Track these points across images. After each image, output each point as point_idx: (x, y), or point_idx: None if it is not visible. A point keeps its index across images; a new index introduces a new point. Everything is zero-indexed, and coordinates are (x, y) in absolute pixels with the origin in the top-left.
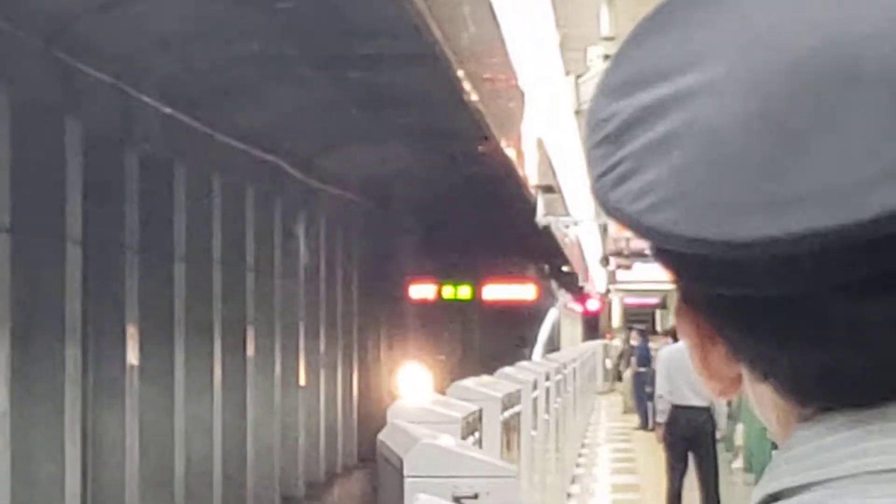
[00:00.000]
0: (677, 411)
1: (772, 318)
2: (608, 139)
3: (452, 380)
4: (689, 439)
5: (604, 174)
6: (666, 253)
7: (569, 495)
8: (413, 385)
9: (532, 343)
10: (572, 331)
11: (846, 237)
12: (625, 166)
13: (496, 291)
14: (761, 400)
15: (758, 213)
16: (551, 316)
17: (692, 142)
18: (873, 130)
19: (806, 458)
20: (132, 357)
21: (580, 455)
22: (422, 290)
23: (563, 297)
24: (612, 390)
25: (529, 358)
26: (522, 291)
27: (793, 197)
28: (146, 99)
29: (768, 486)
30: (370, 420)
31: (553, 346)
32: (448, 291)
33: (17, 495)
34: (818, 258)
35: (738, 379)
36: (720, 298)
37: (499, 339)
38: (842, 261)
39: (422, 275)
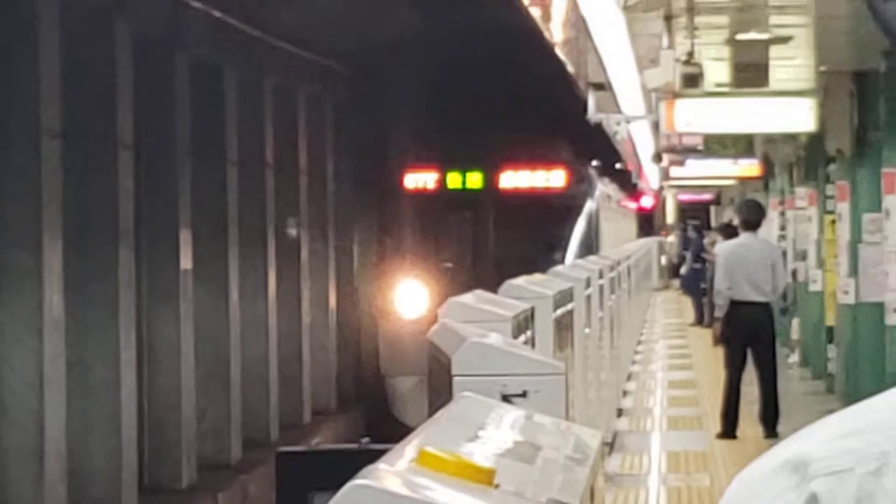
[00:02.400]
0: (736, 307)
1: None
2: None
3: (461, 293)
4: (748, 335)
5: None
6: None
7: (625, 392)
8: (411, 301)
9: (564, 245)
10: (624, 228)
11: None
12: None
13: (516, 179)
14: None
15: None
16: (588, 210)
17: None
18: None
19: None
20: (185, 261)
21: (636, 352)
22: (420, 179)
23: (605, 186)
24: (667, 287)
25: (561, 263)
26: (550, 178)
27: None
28: (195, 3)
29: None
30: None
31: (591, 247)
32: (454, 180)
33: (72, 401)
34: None
35: None
36: None
37: (520, 240)
38: None
39: (421, 160)
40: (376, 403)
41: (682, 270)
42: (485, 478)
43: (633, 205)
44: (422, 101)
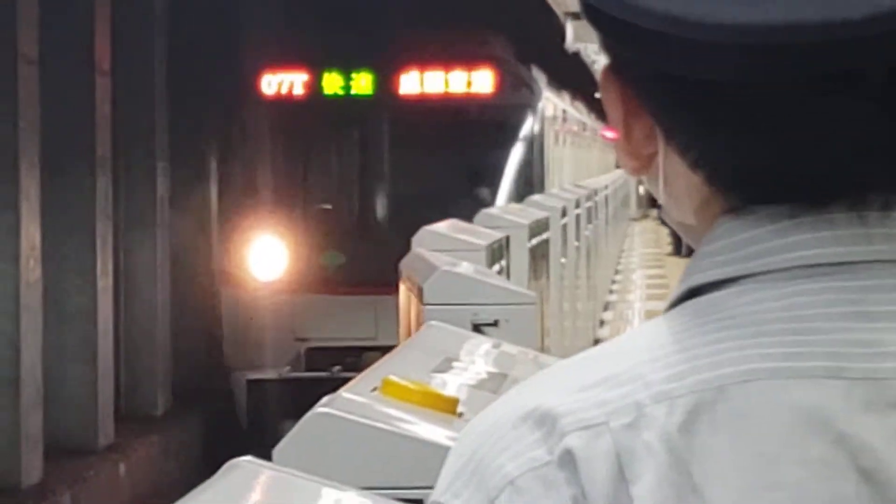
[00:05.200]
0: None
1: (725, 106)
2: None
3: (346, 246)
4: None
5: None
6: (609, 20)
7: (601, 322)
8: (268, 260)
9: (493, 177)
10: (596, 157)
11: (829, 34)
12: None
13: (423, 81)
14: (678, 186)
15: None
16: (529, 129)
17: None
18: None
19: (734, 249)
20: (163, 189)
21: (613, 282)
22: (284, 81)
23: (559, 98)
24: (645, 216)
25: (490, 204)
26: (473, 80)
27: None
28: None
29: (690, 279)
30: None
31: (533, 182)
32: (333, 82)
33: (49, 327)
34: (791, 50)
35: (653, 157)
36: (666, 79)
37: (428, 170)
38: (815, 56)
39: (285, 56)
40: (215, 406)
41: None
42: (448, 407)
43: (612, 134)
44: None
